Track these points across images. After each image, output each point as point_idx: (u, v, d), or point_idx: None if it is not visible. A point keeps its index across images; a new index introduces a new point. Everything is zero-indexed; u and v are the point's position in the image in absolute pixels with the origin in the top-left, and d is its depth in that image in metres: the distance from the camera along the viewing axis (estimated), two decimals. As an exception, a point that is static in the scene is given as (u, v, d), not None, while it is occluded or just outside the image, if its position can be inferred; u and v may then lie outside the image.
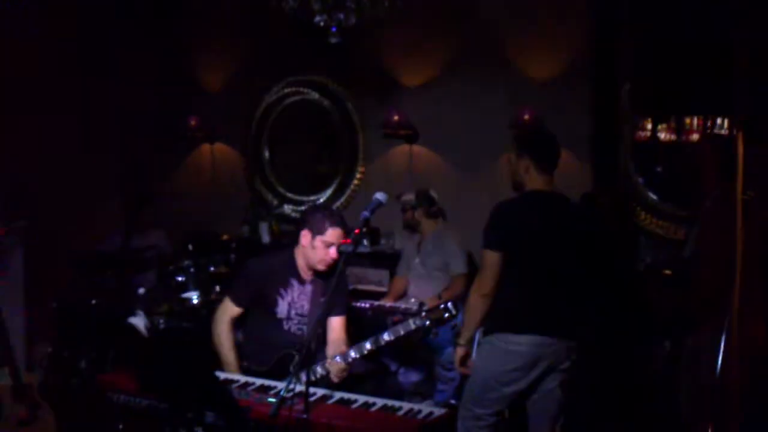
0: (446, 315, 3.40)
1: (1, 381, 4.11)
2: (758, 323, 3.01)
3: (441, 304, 3.44)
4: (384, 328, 4.31)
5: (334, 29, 3.23)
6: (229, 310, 3.70)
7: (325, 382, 3.46)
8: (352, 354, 3.47)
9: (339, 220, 3.61)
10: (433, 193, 5.20)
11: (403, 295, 5.26)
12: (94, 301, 5.23)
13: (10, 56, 5.57)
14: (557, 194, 3.51)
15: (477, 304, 3.44)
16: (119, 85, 6.71)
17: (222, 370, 3.55)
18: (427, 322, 3.41)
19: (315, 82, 6.48)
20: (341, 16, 3.17)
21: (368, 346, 3.46)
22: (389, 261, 5.66)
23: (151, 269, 5.75)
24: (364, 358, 3.74)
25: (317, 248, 3.57)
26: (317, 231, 3.57)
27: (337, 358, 3.47)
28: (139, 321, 4.70)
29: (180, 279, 5.30)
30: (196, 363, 2.55)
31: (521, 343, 3.36)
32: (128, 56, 6.79)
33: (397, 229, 5.87)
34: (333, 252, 3.54)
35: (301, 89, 6.57)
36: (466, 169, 5.83)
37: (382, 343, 3.47)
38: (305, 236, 3.62)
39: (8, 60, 5.56)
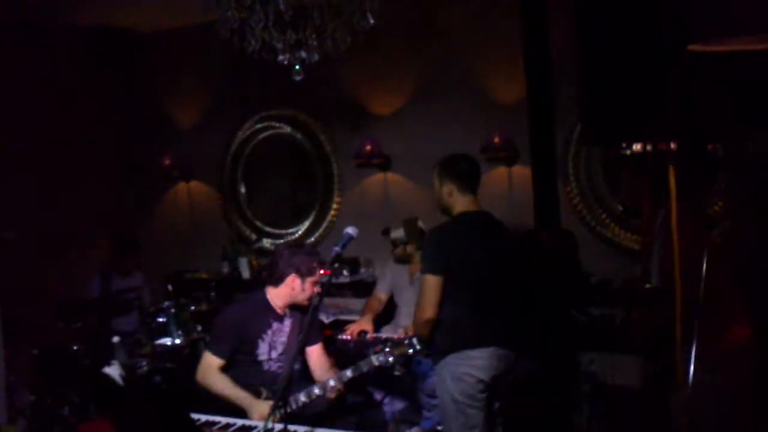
0: (410, 351, 3.50)
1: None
2: (742, 326, 3.10)
3: (405, 340, 3.54)
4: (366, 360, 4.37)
5: (297, 67, 3.29)
6: (213, 363, 3.67)
7: (306, 411, 3.49)
8: (331, 382, 3.52)
9: (321, 258, 3.71)
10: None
11: (377, 313, 5.27)
12: (75, 347, 5.22)
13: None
14: (483, 212, 3.69)
15: (421, 329, 3.56)
16: (92, 126, 6.71)
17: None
18: (390, 359, 3.50)
19: (286, 116, 6.53)
20: (303, 54, 3.24)
21: (331, 383, 3.53)
22: (370, 289, 5.68)
23: (132, 312, 5.73)
24: (351, 391, 3.80)
25: (306, 289, 3.65)
26: (307, 273, 3.65)
27: (330, 381, 3.52)
28: (113, 370, 4.65)
29: (161, 320, 5.28)
30: (172, 411, 2.55)
31: (480, 357, 3.51)
32: (99, 97, 6.80)
33: (377, 256, 5.90)
34: (317, 287, 3.62)
35: (273, 123, 6.61)
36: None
37: (345, 380, 3.54)
38: (294, 281, 3.67)
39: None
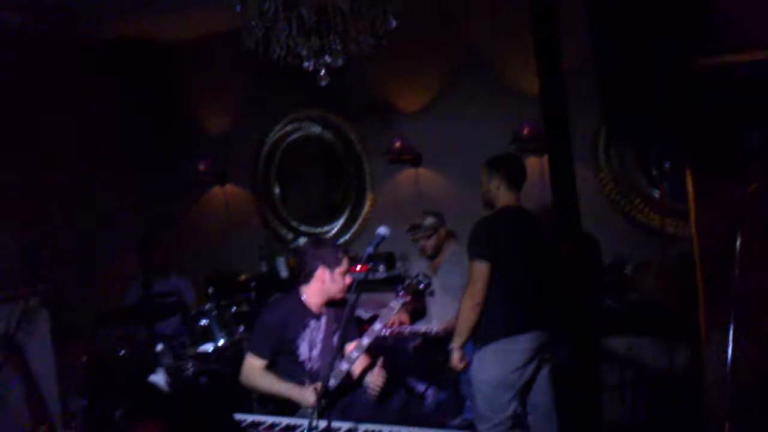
0: (421, 285, 3.65)
1: (40, 440, 4.24)
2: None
3: (413, 279, 3.66)
4: (405, 354, 4.45)
5: (322, 72, 3.36)
6: (255, 364, 3.76)
7: (350, 409, 3.56)
8: (365, 340, 3.64)
9: (344, 247, 3.80)
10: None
11: (412, 310, 5.32)
12: (121, 353, 5.35)
13: (14, 111, 5.72)
14: (523, 208, 4.00)
15: (470, 313, 3.80)
16: (126, 137, 6.86)
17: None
18: (408, 298, 3.79)
19: (316, 117, 6.60)
20: (328, 59, 3.30)
21: (376, 328, 3.67)
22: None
23: (175, 315, 5.84)
24: (393, 385, 3.87)
25: (337, 280, 3.71)
26: (334, 264, 3.71)
27: (364, 340, 3.63)
28: (159, 378, 4.78)
29: (203, 323, 5.38)
30: (217, 412, 2.62)
31: (519, 343, 3.79)
32: (132, 105, 6.93)
33: (412, 251, 5.94)
34: (348, 279, 3.70)
35: (303, 124, 6.69)
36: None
37: (377, 332, 3.68)
38: (323, 273, 3.73)
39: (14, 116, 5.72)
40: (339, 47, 3.21)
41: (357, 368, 3.77)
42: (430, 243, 5.20)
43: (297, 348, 3.74)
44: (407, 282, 3.85)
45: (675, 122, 1.99)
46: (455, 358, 3.86)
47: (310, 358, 3.78)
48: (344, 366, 3.61)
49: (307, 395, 3.53)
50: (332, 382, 3.55)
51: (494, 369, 3.80)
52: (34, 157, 5.91)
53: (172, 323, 5.85)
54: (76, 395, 5.39)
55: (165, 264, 6.18)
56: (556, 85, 2.48)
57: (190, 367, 5.21)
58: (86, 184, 6.39)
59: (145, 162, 7.09)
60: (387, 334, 4.98)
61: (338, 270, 3.71)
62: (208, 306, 5.45)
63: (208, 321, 5.41)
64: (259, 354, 3.75)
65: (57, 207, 6.07)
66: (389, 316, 3.76)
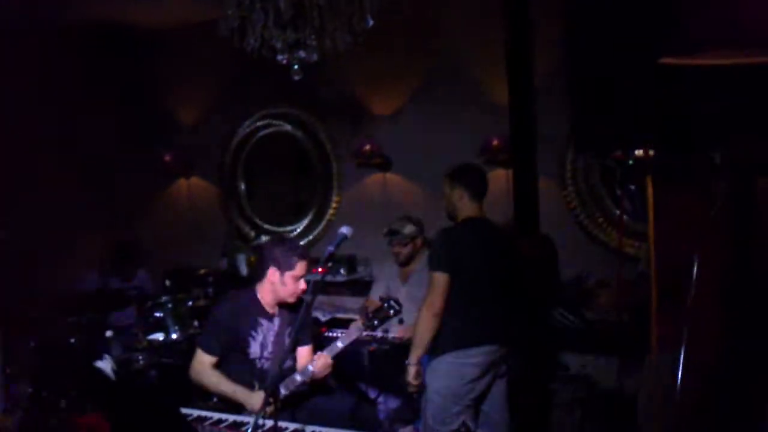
0: (391, 312, 3.61)
1: (-20, 424, 4.12)
2: (709, 347, 3.11)
3: (384, 304, 3.64)
4: (361, 357, 4.41)
5: (296, 67, 3.32)
6: (205, 360, 3.69)
7: (298, 408, 3.52)
8: (325, 353, 3.60)
9: (303, 252, 3.70)
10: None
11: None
12: (72, 340, 5.25)
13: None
14: (486, 219, 3.95)
15: (428, 324, 3.73)
16: (92, 120, 6.74)
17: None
18: (375, 321, 3.60)
19: (287, 114, 6.57)
20: (302, 54, 3.27)
21: (338, 346, 3.62)
22: (367, 288, 5.71)
23: (131, 305, 5.75)
24: (345, 389, 3.83)
25: (287, 284, 3.63)
26: (286, 267, 3.63)
27: (324, 352, 3.58)
28: (105, 365, 4.70)
29: (158, 315, 5.30)
30: (163, 406, 2.56)
31: (475, 355, 3.73)
32: (102, 93, 6.82)
33: (374, 255, 5.92)
34: (302, 284, 3.62)
35: (274, 121, 6.65)
36: (440, 196, 5.90)
37: (338, 349, 3.62)
38: (273, 274, 3.66)
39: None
40: (314, 42, 3.18)
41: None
42: (405, 251, 5.16)
43: (248, 346, 3.69)
44: (378, 307, 3.77)
45: (639, 131, 2.00)
46: (411, 374, 3.79)
47: (260, 357, 3.72)
48: (298, 378, 3.56)
49: (253, 400, 3.47)
50: (283, 392, 3.51)
51: (446, 380, 3.76)
52: (3, 139, 5.78)
53: (127, 315, 5.76)
54: (21, 381, 5.28)
55: (131, 270, 6.10)
56: (526, 96, 2.48)
57: (140, 359, 5.14)
58: (49, 166, 6.25)
59: (111, 147, 6.96)
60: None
61: (289, 273, 3.63)
62: (164, 298, 5.37)
63: (162, 314, 5.33)
64: (209, 350, 3.68)
65: (16, 186, 5.93)
66: (352, 337, 3.69)
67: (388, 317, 3.73)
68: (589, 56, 2.19)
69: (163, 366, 4.99)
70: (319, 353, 3.64)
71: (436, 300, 3.68)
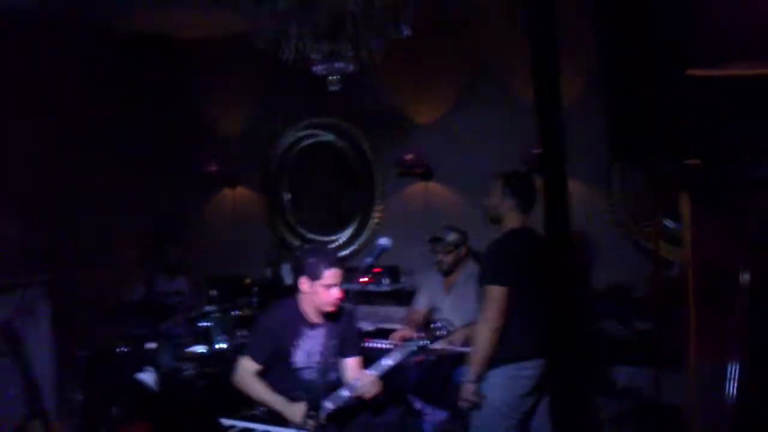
0: (444, 332, 3.56)
1: (33, 433, 4.23)
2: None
3: (433, 323, 3.59)
4: (407, 369, 4.39)
5: (333, 78, 3.34)
6: (249, 367, 3.72)
7: (343, 420, 3.52)
8: (372, 372, 3.55)
9: (332, 260, 3.68)
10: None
11: (418, 326, 5.26)
12: (121, 350, 5.35)
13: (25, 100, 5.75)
14: (533, 230, 3.86)
15: (488, 338, 3.66)
16: (138, 133, 6.86)
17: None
18: (425, 342, 3.56)
19: (329, 124, 6.60)
20: (339, 65, 3.28)
21: (384, 364, 3.56)
22: (411, 298, 5.69)
23: (177, 315, 5.83)
24: (391, 401, 3.81)
25: (319, 293, 3.64)
26: (314, 276, 3.64)
27: (371, 371, 3.55)
28: (148, 377, 4.78)
29: (204, 324, 5.38)
30: (204, 418, 2.59)
31: (528, 368, 3.69)
32: (146, 105, 6.95)
33: (417, 265, 5.90)
34: (336, 292, 3.62)
35: (317, 131, 6.69)
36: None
37: (386, 367, 3.56)
38: (304, 283, 3.68)
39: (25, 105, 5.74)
40: (350, 53, 3.19)
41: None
42: (447, 258, 5.14)
43: (292, 356, 3.71)
44: (430, 326, 3.74)
45: (675, 141, 1.96)
46: (470, 391, 3.69)
47: (307, 367, 3.73)
48: (345, 393, 3.55)
49: (292, 411, 3.48)
50: (330, 406, 3.51)
51: (501, 393, 3.69)
52: (46, 148, 5.92)
53: (175, 324, 5.85)
54: (74, 389, 5.40)
55: (178, 265, 6.20)
56: (553, 102, 2.45)
57: (188, 369, 5.21)
58: (96, 178, 6.37)
59: (157, 159, 7.08)
60: (386, 347, 4.92)
61: (319, 283, 3.62)
62: (209, 308, 5.45)
63: (209, 323, 5.41)
64: (254, 358, 3.72)
65: (67, 200, 6.06)
66: (399, 358, 3.63)
67: (438, 338, 3.68)
68: (625, 62, 2.16)
69: (211, 375, 5.05)
70: (364, 372, 3.62)
71: (495, 315, 3.61)
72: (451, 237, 5.14)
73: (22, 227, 5.59)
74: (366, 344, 5.01)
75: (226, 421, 3.37)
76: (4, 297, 4.34)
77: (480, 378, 3.69)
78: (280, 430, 3.30)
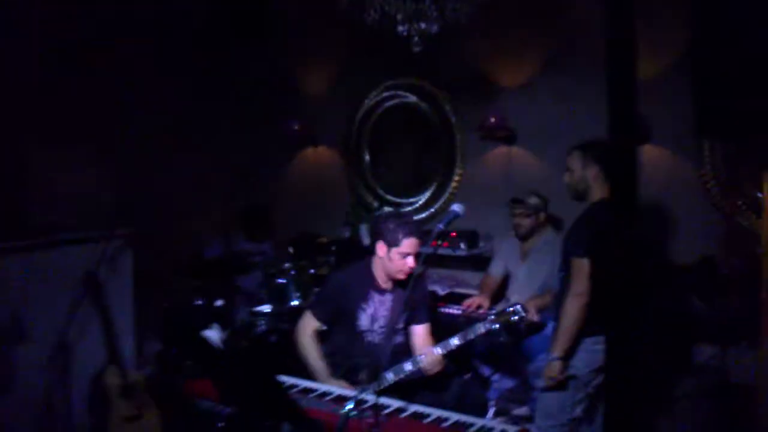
0: (514, 317, 3.43)
1: (111, 379, 4.37)
2: None
3: (509, 307, 3.47)
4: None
5: (416, 38, 3.25)
6: (310, 323, 3.75)
7: (403, 387, 3.49)
8: (437, 350, 3.50)
9: (413, 229, 3.62)
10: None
11: (493, 291, 5.19)
12: (199, 302, 5.47)
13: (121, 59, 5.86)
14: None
15: (579, 313, 3.55)
16: (224, 92, 6.94)
17: (309, 377, 3.61)
18: (496, 326, 3.45)
19: (412, 86, 6.50)
20: (423, 25, 3.19)
21: (452, 343, 3.48)
22: (487, 263, 5.61)
23: (256, 271, 5.91)
24: (458, 367, 3.76)
25: (393, 260, 3.60)
26: (392, 242, 3.60)
27: (436, 349, 3.49)
28: (213, 334, 4.87)
29: (281, 282, 5.44)
30: (268, 378, 2.60)
31: (602, 343, 3.40)
32: (232, 63, 7.00)
33: (496, 230, 5.80)
34: (410, 261, 3.57)
35: (399, 92, 6.60)
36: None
37: (452, 347, 3.47)
38: (381, 248, 3.65)
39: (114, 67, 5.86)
40: (435, 13, 3.10)
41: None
42: (526, 222, 5.05)
43: (357, 318, 3.70)
44: (503, 309, 3.62)
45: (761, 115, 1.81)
46: (557, 368, 3.58)
47: (369, 331, 3.72)
48: (407, 367, 3.52)
49: (327, 384, 3.47)
50: (390, 377, 3.48)
51: (576, 365, 3.62)
52: (132, 102, 6.04)
53: (253, 280, 5.94)
54: (152, 339, 5.57)
55: (263, 234, 6.30)
56: (625, 69, 2.29)
57: (261, 324, 5.30)
58: (181, 135, 6.49)
59: (241, 119, 7.16)
60: (461, 313, 4.88)
61: (395, 250, 3.59)
62: (286, 265, 5.50)
63: (285, 280, 5.46)
64: (316, 315, 3.74)
65: (155, 156, 6.20)
66: (470, 336, 3.55)
67: (511, 324, 3.56)
68: (715, 36, 2.01)
69: (282, 332, 5.12)
70: (430, 348, 3.57)
71: (584, 288, 3.49)
72: (533, 200, 5.03)
73: (107, 181, 5.76)
74: (439, 309, 4.99)
75: (291, 380, 3.39)
76: (87, 249, 4.46)
77: (567, 355, 3.59)
78: (339, 391, 3.29)
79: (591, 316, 3.54)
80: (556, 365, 3.58)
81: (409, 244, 3.56)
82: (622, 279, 2.04)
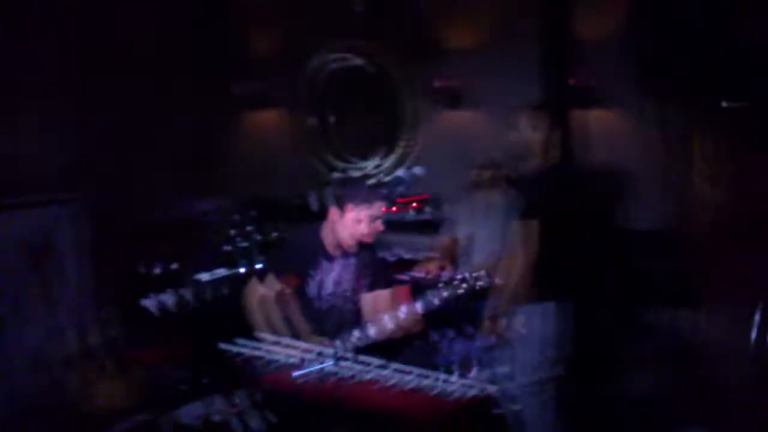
0: (479, 284, 3.41)
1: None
2: None
3: (474, 273, 3.45)
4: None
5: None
6: (255, 289, 3.70)
7: (383, 348, 3.47)
8: (418, 307, 3.46)
9: (367, 195, 3.58)
10: None
11: (453, 256, 5.18)
12: (155, 270, 5.38)
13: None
14: (571, 163, 3.86)
15: (523, 272, 3.62)
16: (175, 54, 6.73)
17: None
18: (459, 291, 3.43)
19: (360, 48, 6.43)
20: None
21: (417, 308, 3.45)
22: (438, 229, 5.59)
23: (207, 236, 5.82)
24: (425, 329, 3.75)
25: (347, 225, 3.55)
26: (345, 208, 3.55)
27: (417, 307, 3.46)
28: (167, 299, 4.83)
29: (228, 249, 5.38)
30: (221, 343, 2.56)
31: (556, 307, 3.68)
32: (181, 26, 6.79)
33: (446, 196, 5.78)
34: (363, 228, 3.53)
35: (347, 55, 6.52)
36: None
37: (431, 306, 3.44)
38: (333, 213, 3.60)
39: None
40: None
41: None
42: (487, 181, 5.03)
43: (307, 285, 3.67)
44: (467, 275, 3.58)
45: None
46: (499, 325, 3.70)
47: (317, 298, 3.69)
48: (371, 331, 3.49)
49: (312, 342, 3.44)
50: (370, 335, 3.45)
51: (542, 325, 3.68)
52: (86, 61, 5.85)
53: (208, 241, 5.84)
54: (108, 306, 5.46)
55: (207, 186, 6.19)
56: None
57: (208, 291, 5.24)
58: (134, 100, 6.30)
59: (193, 82, 6.96)
60: (423, 277, 4.82)
61: (350, 216, 3.54)
62: (234, 232, 5.44)
63: (233, 247, 5.41)
64: (263, 281, 3.69)
65: (103, 119, 6.01)
66: (447, 296, 3.50)
67: (473, 288, 3.53)
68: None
69: (230, 298, 5.06)
70: (411, 306, 3.53)
71: (531, 250, 3.54)
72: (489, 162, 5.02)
73: (61, 143, 5.56)
74: (400, 276, 4.95)
75: (229, 346, 3.33)
76: (40, 212, 4.34)
77: (510, 312, 3.62)
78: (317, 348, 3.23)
79: (543, 280, 3.58)
80: (500, 322, 3.62)
81: (363, 209, 3.51)
82: (568, 242, 2.04)
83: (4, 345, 3.99)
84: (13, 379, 4.00)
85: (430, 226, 5.81)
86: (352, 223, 3.53)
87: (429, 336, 4.52)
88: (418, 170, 3.04)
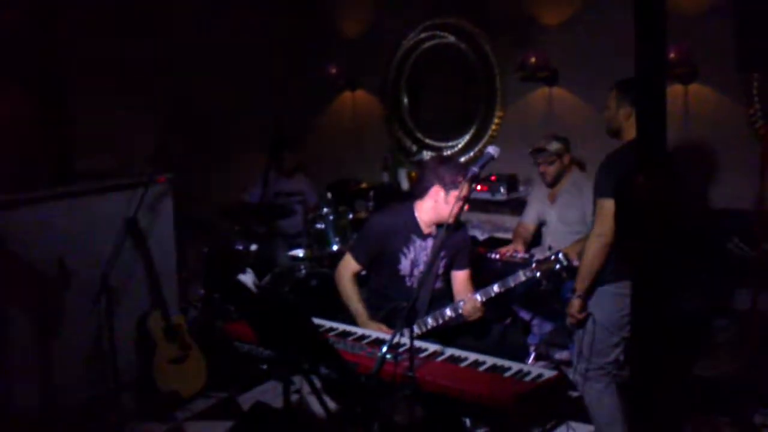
0: (557, 266, 3.40)
1: (155, 322, 4.47)
2: None
3: (551, 255, 3.43)
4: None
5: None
6: (350, 266, 3.76)
7: (439, 333, 3.50)
8: (477, 297, 3.49)
9: (468, 174, 3.58)
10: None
11: (527, 240, 5.14)
12: (239, 246, 5.53)
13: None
14: None
15: (599, 255, 3.46)
16: (260, 36, 6.87)
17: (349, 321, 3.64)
18: (537, 274, 3.41)
19: (451, 25, 6.36)
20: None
21: (493, 290, 3.47)
22: (520, 208, 5.54)
23: (295, 215, 5.92)
24: (497, 311, 3.74)
25: (450, 203, 3.56)
26: (451, 186, 3.56)
27: (476, 296, 3.50)
28: (247, 278, 4.93)
29: (319, 226, 5.45)
30: (302, 322, 2.60)
31: (629, 288, 3.33)
32: (265, 8, 6.91)
33: (536, 174, 5.71)
34: (460, 206, 3.54)
35: (438, 32, 6.46)
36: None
37: (492, 294, 3.45)
38: (437, 192, 3.60)
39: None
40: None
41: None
42: (551, 169, 4.98)
43: (398, 262, 3.70)
44: (546, 257, 3.55)
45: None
46: (576, 306, 3.57)
47: (410, 275, 3.71)
48: (447, 313, 3.52)
49: (366, 327, 3.49)
50: (430, 322, 3.50)
51: (607, 310, 3.56)
52: (174, 53, 6.05)
53: (294, 224, 5.96)
54: (195, 284, 5.66)
55: (294, 169, 6.30)
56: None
57: (303, 269, 5.34)
58: (221, 81, 6.47)
59: (279, 63, 7.10)
60: (497, 258, 4.82)
61: (454, 193, 3.54)
62: (325, 210, 5.50)
63: (324, 225, 5.47)
64: (356, 257, 3.75)
65: (193, 101, 6.21)
66: (510, 284, 3.51)
67: (553, 272, 3.51)
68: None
69: (323, 275, 5.15)
70: (470, 295, 3.56)
71: (607, 229, 3.42)
72: (553, 146, 4.94)
73: (147, 128, 5.80)
74: (486, 255, 4.94)
75: (329, 324, 3.41)
76: (129, 194, 4.52)
77: (587, 294, 3.56)
78: (377, 335, 3.30)
79: (617, 260, 3.48)
80: (576, 303, 3.56)
81: (467, 187, 3.50)
82: (646, 223, 1.96)
83: (112, 318, 4.17)
84: (115, 356, 4.18)
85: (519, 206, 5.77)
86: (455, 201, 3.54)
87: (503, 318, 4.52)
88: (491, 149, 2.99)
